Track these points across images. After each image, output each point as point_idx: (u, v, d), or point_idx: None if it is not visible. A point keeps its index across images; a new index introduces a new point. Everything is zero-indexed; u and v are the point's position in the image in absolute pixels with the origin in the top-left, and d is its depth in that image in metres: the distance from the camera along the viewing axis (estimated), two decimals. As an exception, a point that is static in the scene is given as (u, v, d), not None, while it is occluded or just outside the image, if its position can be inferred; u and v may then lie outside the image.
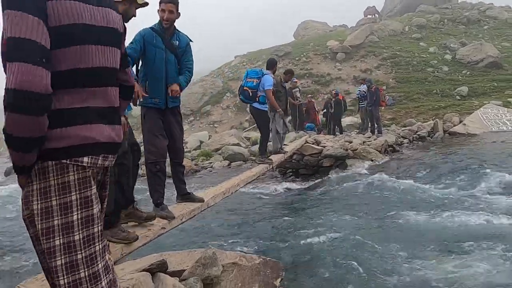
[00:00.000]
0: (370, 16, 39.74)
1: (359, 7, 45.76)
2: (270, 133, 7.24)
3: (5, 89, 1.22)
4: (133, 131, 3.24)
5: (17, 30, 1.22)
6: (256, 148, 12.71)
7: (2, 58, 1.23)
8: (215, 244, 4.73)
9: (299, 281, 3.76)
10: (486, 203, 5.83)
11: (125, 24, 2.97)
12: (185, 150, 15.00)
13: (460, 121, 15.27)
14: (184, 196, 3.87)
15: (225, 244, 4.86)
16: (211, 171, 11.51)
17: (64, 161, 1.36)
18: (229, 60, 35.53)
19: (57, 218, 1.35)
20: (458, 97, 20.05)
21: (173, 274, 2.83)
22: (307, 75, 25.53)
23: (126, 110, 3.08)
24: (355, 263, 4.04)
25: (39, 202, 1.35)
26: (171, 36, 3.47)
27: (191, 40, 3.67)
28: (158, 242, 3.53)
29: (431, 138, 13.84)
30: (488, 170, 7.52)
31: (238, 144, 13.74)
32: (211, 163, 12.33)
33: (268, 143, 7.22)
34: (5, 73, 1.23)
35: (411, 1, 43.20)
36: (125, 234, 2.79)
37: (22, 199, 1.42)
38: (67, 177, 1.36)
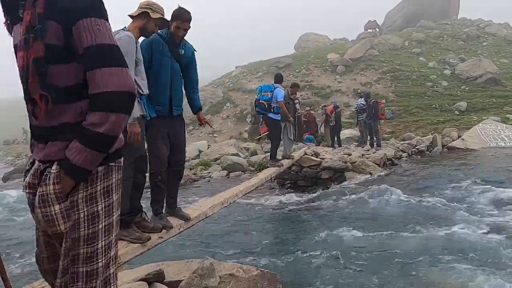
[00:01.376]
0: (371, 30, 40.09)
1: (360, 21, 46.25)
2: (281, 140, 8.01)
3: (113, 92, 1.24)
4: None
5: (111, 38, 1.30)
6: (254, 158, 12.75)
7: (96, 61, 1.26)
8: (212, 255, 4.71)
9: (296, 294, 3.74)
10: (483, 219, 5.82)
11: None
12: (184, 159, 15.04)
13: (459, 136, 15.33)
14: (172, 210, 3.65)
15: (223, 255, 4.83)
16: (209, 180, 11.49)
17: (112, 164, 1.40)
18: (229, 70, 35.77)
19: (102, 221, 1.38)
20: (457, 112, 20.17)
21: (170, 284, 2.82)
22: (307, 87, 25.67)
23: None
24: (352, 277, 4.02)
25: (87, 208, 1.34)
26: (178, 45, 3.50)
27: (195, 50, 3.69)
28: (155, 252, 3.51)
29: (430, 152, 13.86)
30: (486, 186, 7.53)
31: (237, 154, 13.74)
32: (209, 172, 12.32)
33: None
34: (93, 76, 1.25)
35: (411, 16, 43.70)
36: (139, 234, 2.90)
37: (53, 214, 1.31)
38: (111, 180, 1.39)
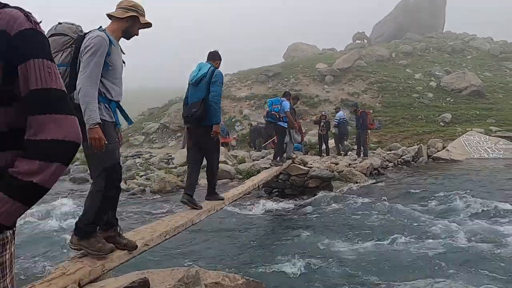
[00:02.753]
0: (359, 41, 40.73)
1: (348, 31, 47.01)
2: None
3: (58, 140, 1.08)
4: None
5: (61, 83, 1.14)
6: (242, 166, 12.76)
7: (43, 106, 1.10)
8: (198, 263, 4.68)
9: (281, 303, 3.74)
10: (466, 229, 5.92)
11: (126, 40, 2.94)
12: (172, 166, 14.92)
13: (444, 147, 15.60)
14: (212, 196, 5.42)
15: (208, 263, 4.81)
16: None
17: (9, 233, 1.15)
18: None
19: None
20: (442, 123, 20.54)
21: (154, 292, 2.79)
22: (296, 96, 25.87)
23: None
24: (337, 285, 4.04)
25: (11, 272, 1.12)
26: None
27: None
28: (140, 259, 3.48)
29: (415, 162, 14.06)
30: (469, 197, 7.68)
31: (225, 162, 13.70)
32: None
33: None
34: (36, 121, 1.09)
35: (398, 29, 44.59)
36: (101, 245, 2.77)
37: None
38: (4, 256, 1.13)
